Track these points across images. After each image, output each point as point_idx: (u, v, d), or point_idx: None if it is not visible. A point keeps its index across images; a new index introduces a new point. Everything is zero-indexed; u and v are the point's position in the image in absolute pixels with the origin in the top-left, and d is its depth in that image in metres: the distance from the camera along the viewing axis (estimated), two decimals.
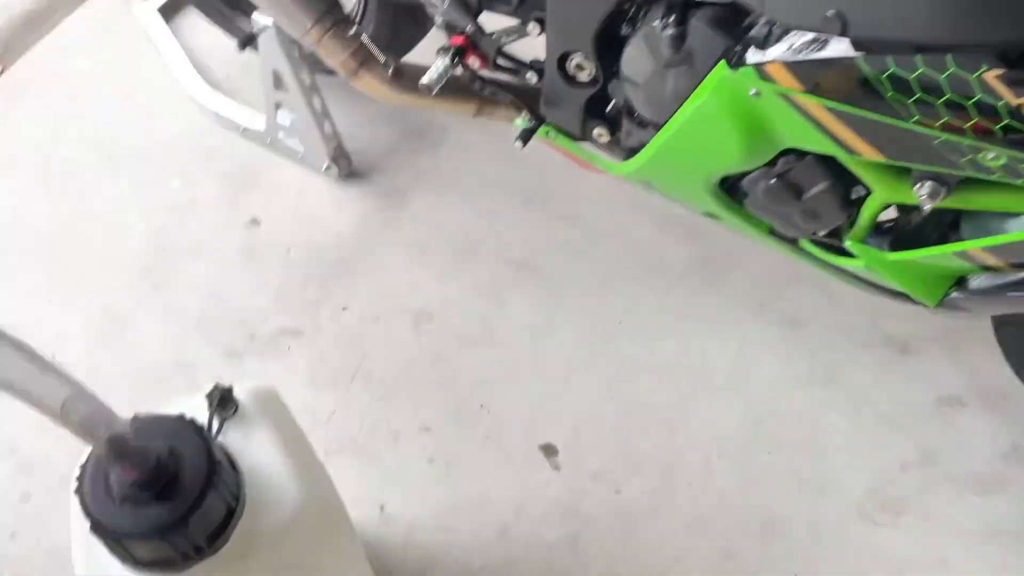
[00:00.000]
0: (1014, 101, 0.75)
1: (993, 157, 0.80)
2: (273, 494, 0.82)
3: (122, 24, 1.91)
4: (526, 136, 1.23)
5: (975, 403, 1.36)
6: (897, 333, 1.42)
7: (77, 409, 0.65)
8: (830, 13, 0.80)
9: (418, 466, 1.34)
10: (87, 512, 0.73)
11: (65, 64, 1.88)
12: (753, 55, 0.89)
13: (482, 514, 1.30)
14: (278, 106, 1.58)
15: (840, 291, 1.45)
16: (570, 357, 1.43)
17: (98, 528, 0.73)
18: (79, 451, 0.75)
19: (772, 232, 1.14)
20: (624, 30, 1.06)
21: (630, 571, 1.24)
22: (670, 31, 0.95)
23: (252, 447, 0.84)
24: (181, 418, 0.78)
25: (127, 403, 0.74)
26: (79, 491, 0.75)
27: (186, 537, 0.74)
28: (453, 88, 1.27)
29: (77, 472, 0.76)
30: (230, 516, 0.78)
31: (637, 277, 1.50)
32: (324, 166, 1.60)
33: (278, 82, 1.52)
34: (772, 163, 1.01)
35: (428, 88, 1.16)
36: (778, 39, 0.88)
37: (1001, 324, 1.23)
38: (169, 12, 1.87)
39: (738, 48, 0.91)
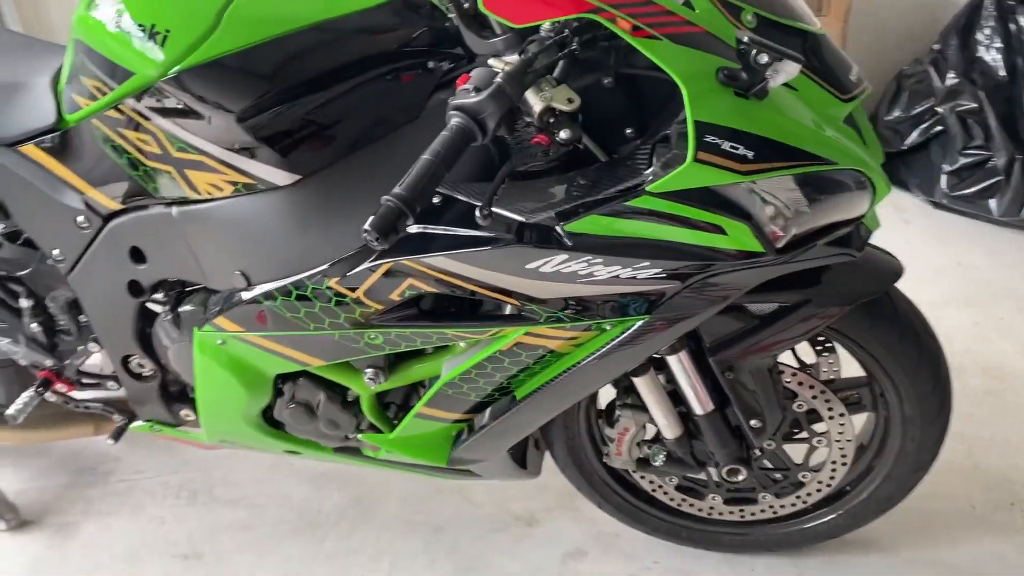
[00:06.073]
0: (352, 295, 1.03)
1: (374, 336, 1.07)
2: None
3: None
4: (117, 434, 1.42)
5: (595, 550, 1.54)
6: (523, 511, 1.62)
7: None
8: (237, 272, 1.09)
9: None
10: None
11: None
12: (212, 313, 1.16)
13: None
14: None
15: (474, 489, 1.65)
16: None
17: None
18: None
19: (337, 450, 1.35)
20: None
21: None
22: (168, 317, 1.21)
23: None
24: None
25: None
26: None
27: None
28: (64, 417, 1.46)
29: None
30: None
31: (297, 534, 1.63)
32: None
33: None
34: (282, 392, 1.24)
35: (14, 417, 1.35)
36: (228, 299, 1.15)
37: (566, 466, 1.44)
38: None
39: (208, 312, 1.17)
